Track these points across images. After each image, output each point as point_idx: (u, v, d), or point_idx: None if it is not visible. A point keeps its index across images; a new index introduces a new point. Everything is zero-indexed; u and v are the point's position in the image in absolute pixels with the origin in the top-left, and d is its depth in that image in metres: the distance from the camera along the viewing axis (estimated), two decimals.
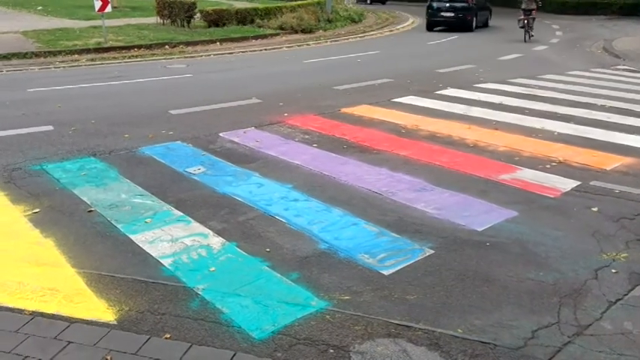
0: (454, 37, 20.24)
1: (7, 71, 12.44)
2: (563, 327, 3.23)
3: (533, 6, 18.47)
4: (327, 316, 3.30)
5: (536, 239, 4.30)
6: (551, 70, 12.75)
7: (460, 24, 21.26)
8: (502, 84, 10.83)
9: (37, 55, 14.27)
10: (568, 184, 5.48)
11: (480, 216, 4.69)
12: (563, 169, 5.94)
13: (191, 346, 3.02)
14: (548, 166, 6.03)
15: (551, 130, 7.48)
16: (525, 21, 18.44)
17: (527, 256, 4.05)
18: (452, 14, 21.29)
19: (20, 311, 3.31)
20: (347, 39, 19.98)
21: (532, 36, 18.84)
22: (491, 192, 5.25)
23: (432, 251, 4.08)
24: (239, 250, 4.11)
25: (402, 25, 25.47)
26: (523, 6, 18.61)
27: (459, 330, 3.18)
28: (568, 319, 3.30)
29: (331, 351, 3.00)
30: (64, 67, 13.19)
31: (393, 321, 3.25)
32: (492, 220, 4.62)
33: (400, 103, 9.10)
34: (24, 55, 14.10)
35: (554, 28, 23.75)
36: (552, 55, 15.53)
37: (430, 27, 22.04)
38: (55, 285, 3.60)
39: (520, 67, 13.26)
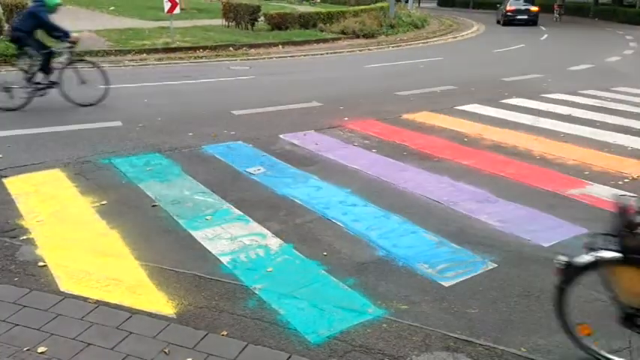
0: (521, 45, 19.71)
1: (81, 68, 12.96)
2: (635, 353, 3.04)
3: (561, 3, 33.57)
4: (384, 325, 3.24)
5: None
6: (624, 82, 12.17)
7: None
8: (571, 95, 10.42)
9: (108, 53, 14.83)
10: None
11: (546, 231, 4.50)
12: (636, 185, 5.63)
13: (247, 345, 3.03)
14: (620, 182, 5.74)
15: (624, 144, 7.13)
16: (557, 10, 32.98)
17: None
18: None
19: (85, 299, 3.41)
20: (409, 45, 19.81)
21: (560, 20, 32.41)
22: (559, 207, 5.04)
23: (495, 265, 3.95)
24: (296, 252, 4.11)
25: (465, 32, 25.05)
26: (558, 2, 33.34)
27: (523, 349, 3.05)
28: None
29: None
30: (133, 65, 13.66)
31: (452, 334, 3.15)
32: (560, 236, 4.42)
33: (463, 111, 8.91)
34: (96, 53, 14.68)
35: (628, 39, 22.72)
36: (626, 67, 14.84)
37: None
38: (118, 275, 3.70)
39: (591, 78, 12.74)
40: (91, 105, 8.62)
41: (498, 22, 30.37)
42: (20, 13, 8.16)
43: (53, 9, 8.23)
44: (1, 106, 8.14)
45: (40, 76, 8.34)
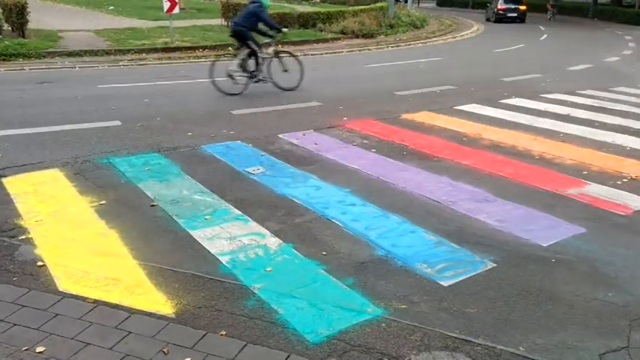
0: (520, 45, 19.73)
1: (80, 67, 13.01)
2: (634, 352, 3.05)
3: (554, 2, 34.65)
4: (383, 324, 3.24)
5: (606, 258, 4.09)
6: (623, 82, 12.19)
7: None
8: (570, 95, 10.43)
9: (107, 52, 14.85)
10: None
11: (545, 231, 4.50)
12: (635, 185, 5.64)
13: (246, 344, 3.03)
14: (619, 182, 5.74)
15: (623, 144, 7.13)
16: (551, 10, 34.26)
17: (596, 275, 3.86)
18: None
19: (84, 299, 3.41)
20: (409, 45, 19.81)
21: (553, 19, 33.52)
22: (557, 206, 5.04)
23: (494, 264, 3.95)
24: (295, 251, 4.11)
25: (465, 32, 25.07)
26: (551, 2, 34.66)
27: (521, 348, 3.05)
28: (639, 344, 3.11)
29: None
30: (132, 65, 13.66)
31: (451, 334, 3.15)
32: (558, 235, 4.42)
33: (462, 111, 8.92)
34: (95, 53, 14.71)
35: (627, 39, 22.76)
36: (624, 67, 14.86)
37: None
38: (117, 275, 3.70)
39: (589, 78, 12.75)
40: (290, 89, 10.12)
41: (488, 19, 32.31)
42: (241, 12, 10.10)
43: (267, 8, 9.80)
44: (226, 91, 9.65)
45: (252, 65, 9.78)
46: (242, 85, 9.71)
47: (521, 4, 31.67)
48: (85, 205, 4.89)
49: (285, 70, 10.04)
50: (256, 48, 9.68)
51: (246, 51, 9.65)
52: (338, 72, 13.31)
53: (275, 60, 10.02)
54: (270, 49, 10.09)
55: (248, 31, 9.58)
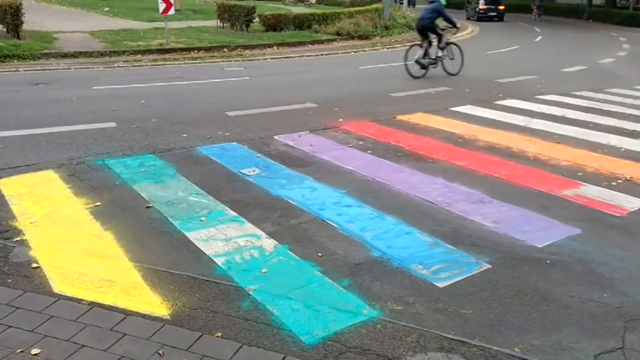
0: (515, 47, 19.79)
1: (75, 69, 12.99)
2: (629, 353, 3.06)
3: (539, 4, 36.87)
4: (379, 326, 3.24)
5: (601, 259, 4.10)
6: (617, 83, 12.24)
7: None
8: (565, 96, 10.47)
9: (102, 54, 14.83)
10: (635, 202, 5.22)
11: (540, 232, 4.51)
12: (629, 187, 5.66)
13: (241, 346, 3.02)
14: (613, 183, 5.77)
15: (618, 145, 7.16)
16: (536, 11, 36.46)
17: (591, 276, 3.87)
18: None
19: (79, 301, 3.40)
20: (404, 46, 19.76)
21: (539, 20, 35.39)
22: (552, 207, 5.05)
23: (489, 266, 3.95)
24: (291, 253, 4.10)
25: (460, 34, 25.09)
26: (537, 3, 36.90)
27: (517, 349, 3.06)
28: (634, 345, 3.12)
29: None
30: (127, 66, 13.65)
31: (446, 335, 3.16)
32: (553, 236, 4.43)
33: (457, 112, 8.94)
34: (90, 54, 14.68)
35: (622, 40, 22.87)
36: (619, 69, 14.92)
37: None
38: (112, 277, 3.69)
39: (584, 79, 12.80)
40: (455, 74, 12.37)
41: (469, 18, 34.94)
42: (425, 9, 12.21)
43: (445, 5, 12.08)
44: (414, 74, 11.95)
45: (433, 53, 12.14)
46: (425, 70, 12.00)
47: (500, 4, 35.10)
48: (80, 206, 4.88)
49: (452, 58, 12.29)
50: (435, 42, 12.02)
51: (427, 41, 11.98)
52: (333, 73, 13.32)
53: (445, 50, 12.23)
54: (443, 41, 12.18)
55: (431, 24, 11.90)
